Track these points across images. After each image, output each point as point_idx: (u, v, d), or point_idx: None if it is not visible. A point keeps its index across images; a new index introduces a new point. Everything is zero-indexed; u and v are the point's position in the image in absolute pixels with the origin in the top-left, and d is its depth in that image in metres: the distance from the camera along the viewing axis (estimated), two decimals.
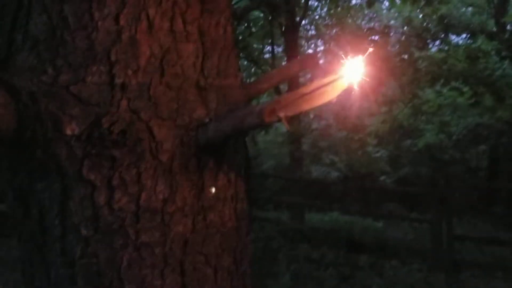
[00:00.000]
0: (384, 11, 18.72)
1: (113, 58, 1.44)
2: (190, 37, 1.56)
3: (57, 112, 1.39)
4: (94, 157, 1.43)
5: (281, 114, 1.30)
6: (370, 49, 1.23)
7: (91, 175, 1.44)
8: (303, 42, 16.31)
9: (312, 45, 17.29)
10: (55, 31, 1.43)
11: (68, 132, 1.40)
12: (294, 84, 10.11)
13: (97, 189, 1.45)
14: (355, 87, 1.26)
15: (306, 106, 1.30)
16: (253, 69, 17.47)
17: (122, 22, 1.45)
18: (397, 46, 13.45)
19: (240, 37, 12.47)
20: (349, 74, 1.24)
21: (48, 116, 1.38)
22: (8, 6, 1.48)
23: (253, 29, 13.55)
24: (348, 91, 1.31)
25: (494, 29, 15.55)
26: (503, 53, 14.01)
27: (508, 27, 16.01)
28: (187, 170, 1.55)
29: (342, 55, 1.27)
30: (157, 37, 1.50)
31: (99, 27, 1.43)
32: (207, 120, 1.57)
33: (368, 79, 1.28)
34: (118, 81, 1.44)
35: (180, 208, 1.55)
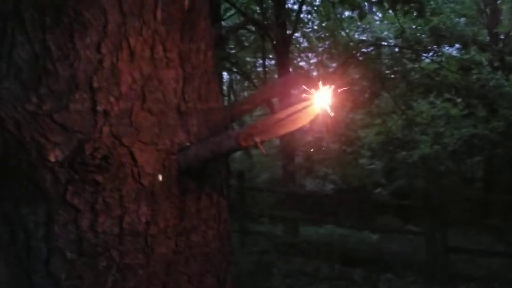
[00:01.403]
0: (377, 23, 18.88)
1: (95, 85, 1.48)
2: (171, 63, 1.61)
3: (41, 139, 1.43)
4: (77, 182, 1.47)
5: (257, 139, 1.35)
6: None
7: (75, 200, 1.48)
8: (295, 54, 16.38)
9: (305, 58, 17.35)
10: (38, 60, 1.47)
11: (52, 158, 1.44)
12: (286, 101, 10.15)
13: (81, 213, 1.49)
14: (327, 113, 1.31)
15: (280, 131, 1.35)
16: (246, 83, 17.58)
17: (103, 50, 1.49)
18: (390, 58, 13.54)
19: (233, 51, 12.56)
20: (320, 101, 1.29)
21: (32, 143, 1.42)
22: None
23: (245, 44, 13.65)
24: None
25: (487, 39, 15.68)
26: (496, 64, 14.11)
27: (501, 37, 16.15)
28: (169, 193, 1.59)
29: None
30: (138, 64, 1.54)
31: (81, 56, 1.48)
32: (188, 144, 1.61)
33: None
34: (100, 108, 1.49)
35: (163, 230, 1.59)
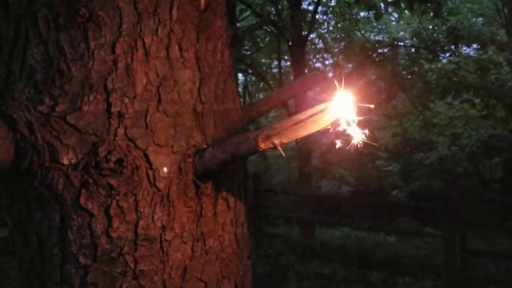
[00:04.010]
0: (393, 23, 18.75)
1: (109, 86, 1.45)
2: (187, 63, 1.57)
3: (54, 141, 1.40)
4: (91, 186, 1.43)
5: (276, 141, 1.30)
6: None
7: (89, 204, 1.44)
8: (311, 55, 16.31)
9: (320, 59, 17.29)
10: (52, 61, 1.44)
11: (65, 161, 1.40)
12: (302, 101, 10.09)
13: (95, 218, 1.45)
14: (348, 115, 1.25)
15: (300, 133, 1.30)
16: (261, 84, 17.55)
17: (118, 51, 1.46)
18: (407, 58, 13.38)
19: (248, 53, 12.54)
20: (341, 103, 1.24)
21: (45, 146, 1.39)
22: (5, 37, 1.50)
23: (261, 45, 13.62)
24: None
25: (505, 39, 15.46)
26: None
27: None
28: (185, 197, 1.55)
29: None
30: (154, 64, 1.50)
31: (95, 56, 1.44)
32: (204, 146, 1.57)
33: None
34: (114, 109, 1.45)
35: (179, 235, 1.55)
